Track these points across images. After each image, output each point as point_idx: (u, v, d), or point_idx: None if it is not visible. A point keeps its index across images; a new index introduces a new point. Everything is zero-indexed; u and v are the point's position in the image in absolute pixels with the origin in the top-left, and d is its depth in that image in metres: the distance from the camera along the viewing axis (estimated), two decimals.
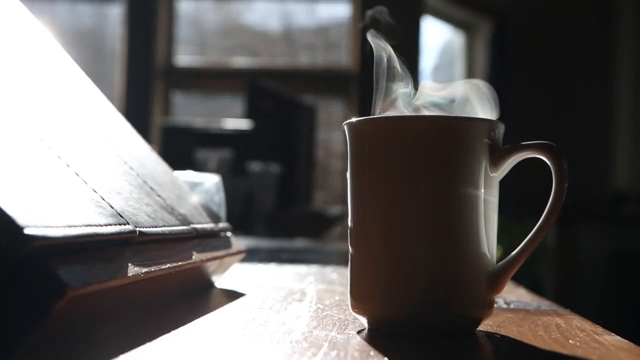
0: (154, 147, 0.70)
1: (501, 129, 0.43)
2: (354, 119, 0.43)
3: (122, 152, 0.55)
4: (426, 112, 0.45)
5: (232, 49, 3.61)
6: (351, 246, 0.43)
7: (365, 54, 0.43)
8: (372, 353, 0.36)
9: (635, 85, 3.43)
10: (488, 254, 0.42)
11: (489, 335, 0.42)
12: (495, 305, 0.43)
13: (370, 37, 0.44)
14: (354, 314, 0.43)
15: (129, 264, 0.39)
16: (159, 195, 0.54)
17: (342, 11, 3.58)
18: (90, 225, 0.37)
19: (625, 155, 3.45)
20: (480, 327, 0.43)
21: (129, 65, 3.48)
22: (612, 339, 0.41)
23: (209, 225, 0.60)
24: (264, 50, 3.61)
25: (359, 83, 3.44)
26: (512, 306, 0.54)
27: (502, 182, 0.43)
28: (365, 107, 0.47)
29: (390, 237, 0.41)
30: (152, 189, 0.54)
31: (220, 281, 0.64)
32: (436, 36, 3.78)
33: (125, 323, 0.41)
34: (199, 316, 0.45)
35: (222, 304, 0.51)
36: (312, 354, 0.34)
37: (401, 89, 0.45)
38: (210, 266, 0.58)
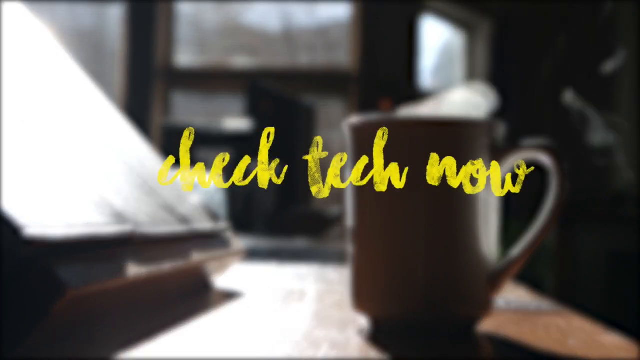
0: (154, 147, 0.70)
1: (501, 129, 0.43)
2: (354, 119, 0.43)
3: (122, 152, 0.55)
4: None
5: (232, 49, 3.61)
6: (351, 246, 0.43)
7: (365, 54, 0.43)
8: (372, 353, 0.36)
9: (636, 85, 3.43)
10: (488, 254, 0.42)
11: (489, 335, 0.42)
12: (495, 305, 0.43)
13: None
14: (354, 313, 0.43)
15: (129, 264, 0.39)
16: (159, 195, 0.54)
17: (342, 11, 3.58)
18: (90, 225, 0.37)
19: (625, 155, 3.44)
20: (480, 327, 0.43)
21: (129, 65, 3.48)
22: (612, 339, 0.41)
23: (209, 225, 0.60)
24: (264, 50, 3.61)
25: (359, 83, 3.44)
26: (512, 306, 0.54)
27: None
28: (365, 107, 0.47)
29: (390, 237, 0.41)
30: (152, 189, 0.54)
31: (220, 281, 0.64)
32: (436, 36, 3.78)
33: (125, 323, 0.41)
34: (199, 316, 0.45)
35: (222, 304, 0.51)
36: (312, 354, 0.34)
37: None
38: (210, 266, 0.58)
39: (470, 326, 0.42)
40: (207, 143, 2.46)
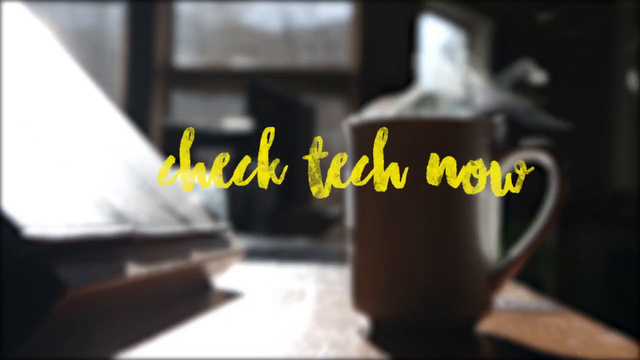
0: (154, 147, 0.70)
1: (501, 129, 0.43)
2: (354, 120, 0.43)
3: (122, 152, 0.55)
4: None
5: (232, 49, 3.61)
6: (351, 246, 0.43)
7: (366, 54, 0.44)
8: (372, 353, 0.36)
9: (635, 85, 3.43)
10: (488, 254, 0.42)
11: (489, 335, 0.42)
12: (495, 305, 0.43)
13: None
14: (354, 313, 0.43)
15: (129, 264, 0.39)
16: (159, 195, 0.54)
17: (342, 11, 3.58)
18: (90, 225, 0.37)
19: (625, 155, 3.44)
20: (480, 327, 0.43)
21: (129, 65, 3.48)
22: (612, 339, 0.41)
23: (209, 225, 0.60)
24: (264, 50, 3.61)
25: (359, 83, 3.44)
26: (512, 306, 0.54)
27: None
28: (365, 107, 0.47)
29: (390, 237, 0.41)
30: (152, 189, 0.54)
31: (220, 281, 0.64)
32: (436, 36, 3.78)
33: (125, 323, 0.41)
34: (199, 316, 0.45)
35: (222, 304, 0.51)
36: (312, 354, 0.34)
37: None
38: (210, 266, 0.58)
39: (470, 326, 0.42)
40: (207, 143, 2.47)
